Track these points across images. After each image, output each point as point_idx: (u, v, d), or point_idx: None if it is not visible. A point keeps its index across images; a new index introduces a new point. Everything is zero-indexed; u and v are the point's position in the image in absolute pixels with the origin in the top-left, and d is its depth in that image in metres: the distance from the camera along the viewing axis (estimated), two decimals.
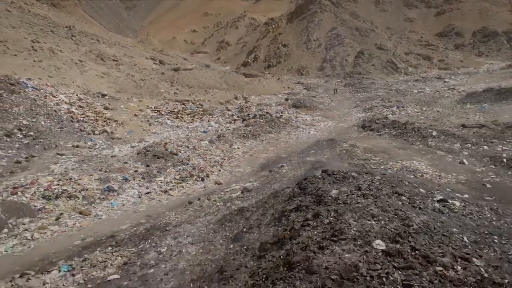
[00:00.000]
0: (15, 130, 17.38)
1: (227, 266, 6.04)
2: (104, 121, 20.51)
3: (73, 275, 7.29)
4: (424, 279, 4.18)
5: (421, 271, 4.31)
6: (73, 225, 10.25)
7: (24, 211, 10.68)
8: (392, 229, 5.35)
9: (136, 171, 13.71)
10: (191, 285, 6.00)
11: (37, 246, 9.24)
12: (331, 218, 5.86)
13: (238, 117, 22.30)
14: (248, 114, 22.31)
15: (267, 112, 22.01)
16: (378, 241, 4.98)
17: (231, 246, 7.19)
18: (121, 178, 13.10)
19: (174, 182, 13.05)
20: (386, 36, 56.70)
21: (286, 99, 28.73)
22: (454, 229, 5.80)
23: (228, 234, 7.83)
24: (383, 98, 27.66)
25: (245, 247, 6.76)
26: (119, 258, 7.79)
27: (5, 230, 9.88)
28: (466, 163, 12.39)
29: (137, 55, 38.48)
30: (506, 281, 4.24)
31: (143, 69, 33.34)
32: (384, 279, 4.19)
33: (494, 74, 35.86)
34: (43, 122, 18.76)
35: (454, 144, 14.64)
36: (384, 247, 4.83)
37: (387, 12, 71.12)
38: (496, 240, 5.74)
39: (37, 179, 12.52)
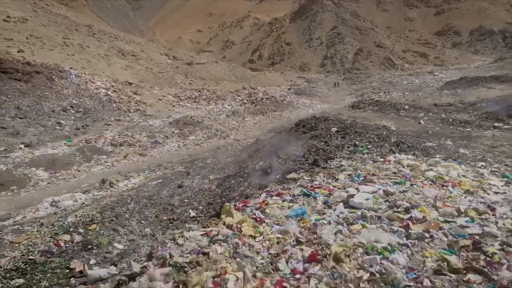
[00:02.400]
0: (68, 107, 22.52)
1: (253, 154, 11.07)
2: (136, 103, 25.61)
3: (154, 172, 12.31)
4: (352, 136, 9.17)
5: (351, 133, 9.31)
6: (137, 160, 15.28)
7: (101, 151, 15.74)
8: (343, 126, 10.38)
9: (173, 132, 18.76)
10: (232, 165, 11.00)
11: (118, 168, 14.25)
12: (312, 125, 10.89)
13: (247, 101, 27.35)
14: (256, 99, 27.37)
15: (272, 96, 27.08)
16: (334, 128, 10.00)
17: (254, 155, 12.18)
18: (163, 136, 18.16)
19: (203, 139, 18.08)
20: (385, 34, 61.79)
21: (289, 89, 33.81)
22: (382, 131, 10.79)
23: (249, 151, 12.84)
24: (375, 88, 32.66)
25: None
26: (181, 166, 12.81)
27: (92, 161, 14.91)
28: (422, 123, 17.36)
29: (152, 52, 43.82)
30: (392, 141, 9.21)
31: (159, 63, 38.59)
32: (332, 135, 9.21)
33: (480, 68, 40.79)
34: (88, 102, 23.89)
35: (419, 113, 19.60)
36: (336, 129, 9.85)
37: (388, 12, 76.17)
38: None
39: (102, 134, 17.60)
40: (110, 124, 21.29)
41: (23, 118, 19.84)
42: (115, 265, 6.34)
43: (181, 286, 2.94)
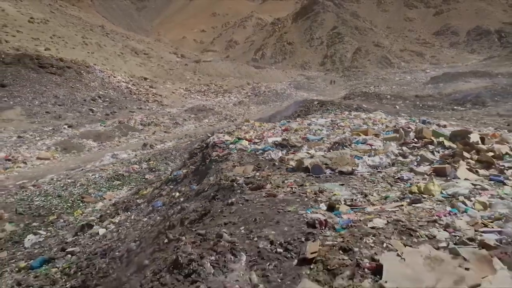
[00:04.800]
0: (97, 97, 27.04)
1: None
2: (153, 95, 30.12)
3: (182, 139, 16.71)
4: (327, 106, 13.55)
5: (327, 104, 13.71)
6: (164, 135, 19.69)
7: (134, 129, 20.19)
8: (323, 100, 14.79)
9: (189, 116, 23.22)
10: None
11: (150, 139, 18.65)
12: (301, 102, 15.33)
13: (251, 93, 31.83)
14: (259, 91, 31.85)
15: (273, 89, 31.55)
16: (316, 102, 14.41)
17: None
18: (182, 119, 22.60)
19: (215, 121, 22.51)
20: (384, 34, 66.26)
21: (289, 84, 38.29)
22: (352, 104, 15.18)
23: None
24: (368, 83, 37.08)
25: None
26: (202, 136, 17.21)
27: (128, 136, 19.34)
28: (397, 107, 21.69)
29: (161, 51, 48.48)
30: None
31: (169, 61, 43.22)
32: (313, 105, 13.62)
33: (470, 66, 45.07)
34: (112, 93, 28.41)
35: (398, 101, 23.94)
36: (317, 102, 14.27)
37: (388, 12, 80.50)
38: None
39: (132, 116, 22.06)
40: (133, 112, 25.75)
41: (61, 105, 24.41)
42: None
43: (230, 133, 7.37)
